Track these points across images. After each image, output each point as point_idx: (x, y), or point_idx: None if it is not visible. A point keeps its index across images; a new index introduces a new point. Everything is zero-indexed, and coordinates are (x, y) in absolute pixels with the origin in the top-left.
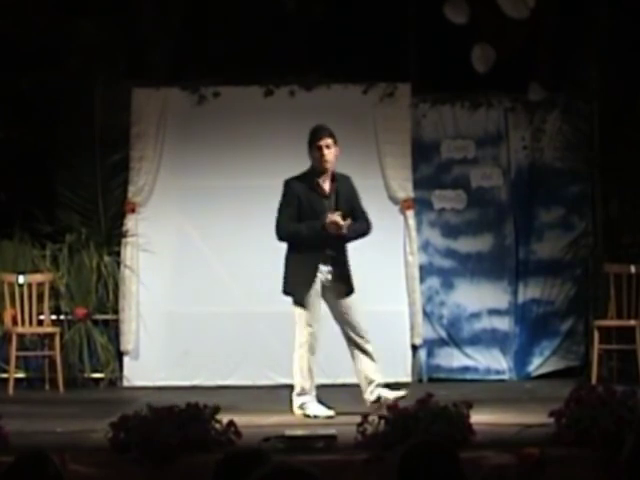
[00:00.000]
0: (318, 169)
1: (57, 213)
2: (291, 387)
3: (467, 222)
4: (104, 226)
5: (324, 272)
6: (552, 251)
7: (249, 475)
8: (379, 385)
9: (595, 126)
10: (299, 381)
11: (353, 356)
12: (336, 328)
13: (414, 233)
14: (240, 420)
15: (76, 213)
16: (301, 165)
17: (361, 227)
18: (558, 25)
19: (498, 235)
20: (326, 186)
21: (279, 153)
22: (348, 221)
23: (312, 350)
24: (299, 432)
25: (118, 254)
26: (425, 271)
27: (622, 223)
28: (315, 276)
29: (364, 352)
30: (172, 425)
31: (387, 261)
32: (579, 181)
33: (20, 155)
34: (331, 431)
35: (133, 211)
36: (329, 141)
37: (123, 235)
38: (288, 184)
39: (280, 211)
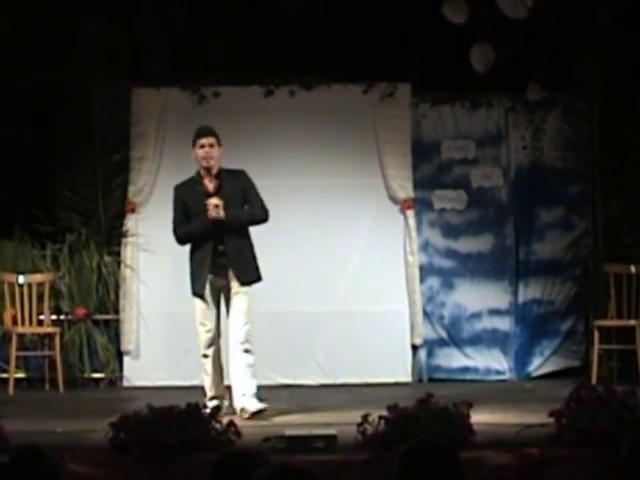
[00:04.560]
0: (202, 169)
1: (57, 213)
2: (292, 387)
3: (467, 222)
4: (104, 226)
5: (214, 272)
6: (552, 251)
7: (246, 475)
8: (245, 395)
9: (595, 126)
10: (207, 383)
11: (230, 356)
12: (335, 329)
13: (414, 233)
14: (240, 420)
15: (76, 213)
16: (301, 165)
17: (250, 212)
18: (558, 25)
19: (498, 235)
20: (210, 185)
21: (279, 153)
22: (216, 200)
23: (212, 349)
24: (299, 432)
25: (118, 254)
26: (425, 271)
27: (622, 223)
28: (208, 274)
29: (237, 358)
30: (172, 425)
31: (387, 261)
32: (579, 181)
33: (20, 155)
34: (331, 431)
35: (133, 211)
36: (211, 140)
37: (123, 235)
38: (175, 190)
39: (173, 218)
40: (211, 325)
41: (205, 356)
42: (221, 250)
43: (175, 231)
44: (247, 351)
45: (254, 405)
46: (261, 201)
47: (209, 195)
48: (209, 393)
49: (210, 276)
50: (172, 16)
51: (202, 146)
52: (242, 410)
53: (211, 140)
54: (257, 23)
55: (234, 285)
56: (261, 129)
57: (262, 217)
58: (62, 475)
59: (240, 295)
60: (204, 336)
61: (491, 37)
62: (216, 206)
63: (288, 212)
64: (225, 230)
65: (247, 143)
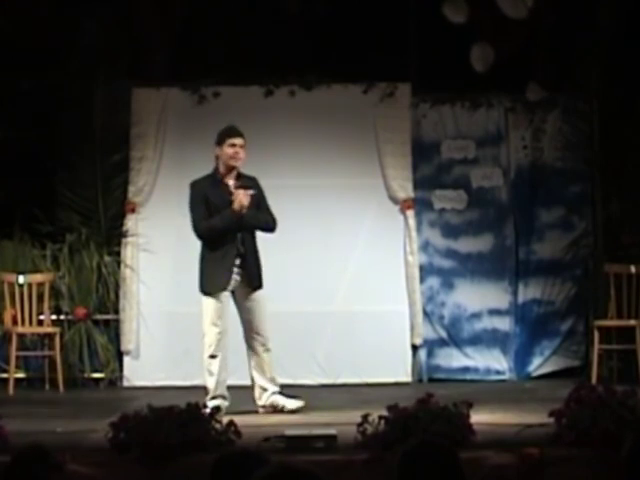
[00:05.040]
0: (225, 167)
1: (57, 213)
2: (292, 387)
3: (467, 222)
4: (104, 226)
5: (234, 272)
6: (552, 251)
7: (246, 475)
8: (274, 393)
9: (595, 126)
10: (211, 384)
11: (249, 357)
12: (335, 329)
13: (414, 233)
14: (240, 420)
15: (76, 213)
16: (301, 165)
17: (265, 217)
18: (558, 25)
19: (498, 235)
20: (231, 184)
21: (279, 153)
22: (251, 191)
23: (220, 348)
24: (299, 432)
25: (118, 254)
26: (425, 271)
27: (622, 223)
28: (230, 275)
29: (257, 355)
30: (172, 425)
31: (387, 261)
32: (579, 181)
33: (20, 155)
34: (331, 431)
35: (133, 211)
36: (242, 141)
37: (123, 235)
38: (193, 185)
39: (192, 211)
40: (224, 326)
41: (213, 357)
42: (241, 251)
43: (197, 225)
44: (269, 350)
45: (294, 403)
46: (270, 211)
47: (231, 193)
48: (211, 393)
49: (234, 276)
50: (172, 16)
51: (233, 145)
52: (283, 407)
53: (242, 141)
54: (257, 23)
55: (245, 289)
56: (261, 129)
57: (273, 226)
58: (65, 474)
59: (262, 297)
60: (215, 337)
61: (491, 37)
62: (241, 200)
63: (288, 212)
64: (244, 230)
65: (247, 143)
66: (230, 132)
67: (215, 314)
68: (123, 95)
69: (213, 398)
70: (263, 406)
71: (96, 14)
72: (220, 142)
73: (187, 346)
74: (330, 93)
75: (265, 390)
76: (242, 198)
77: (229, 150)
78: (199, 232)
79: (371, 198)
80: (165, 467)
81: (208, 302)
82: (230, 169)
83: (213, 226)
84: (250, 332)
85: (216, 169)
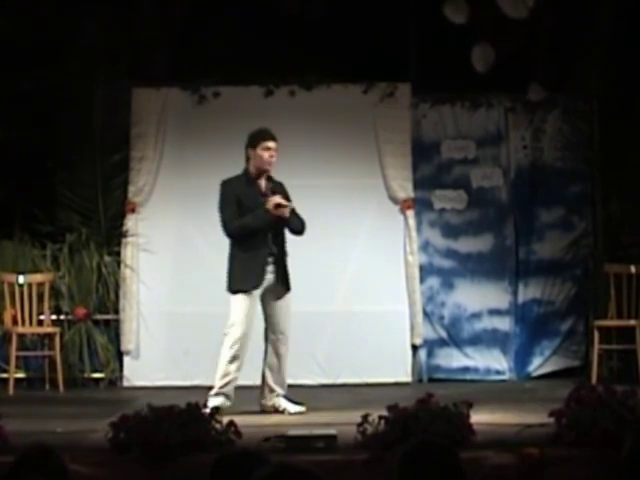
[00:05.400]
0: (258, 170)
1: (57, 213)
2: (292, 387)
3: (467, 222)
4: (104, 226)
5: (267, 272)
6: (552, 251)
7: (246, 475)
8: (279, 395)
9: (595, 126)
10: (222, 382)
11: (267, 356)
12: (335, 329)
13: (414, 233)
14: (240, 420)
15: (76, 213)
16: (301, 165)
17: (300, 220)
18: (558, 25)
19: (498, 235)
20: (263, 185)
21: (279, 153)
22: (291, 204)
23: (243, 349)
24: (299, 432)
25: (118, 254)
26: (425, 271)
27: (622, 223)
28: (264, 274)
29: (277, 355)
30: (172, 425)
31: (387, 261)
32: (579, 181)
33: (20, 155)
34: (331, 431)
35: (133, 211)
36: (276, 145)
37: (123, 235)
38: (225, 185)
39: (222, 210)
40: (251, 327)
41: (235, 358)
42: (274, 251)
43: (228, 224)
44: (287, 351)
45: (295, 408)
46: (299, 215)
47: (263, 194)
48: (216, 389)
49: (267, 275)
50: (172, 16)
51: (268, 148)
52: (285, 410)
53: (275, 144)
54: (257, 23)
55: (277, 288)
56: None
57: (303, 229)
58: (69, 474)
59: (290, 298)
60: (240, 336)
61: (491, 37)
62: (279, 205)
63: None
64: (280, 231)
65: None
66: (265, 135)
67: (243, 313)
68: (123, 95)
69: (217, 395)
70: (265, 405)
71: (96, 14)
72: (254, 145)
73: (187, 346)
74: (330, 93)
75: (272, 391)
76: (279, 209)
77: (264, 153)
78: (229, 231)
79: (371, 198)
80: (165, 467)
81: (239, 300)
82: (262, 172)
83: (245, 225)
84: (276, 332)
85: (247, 170)
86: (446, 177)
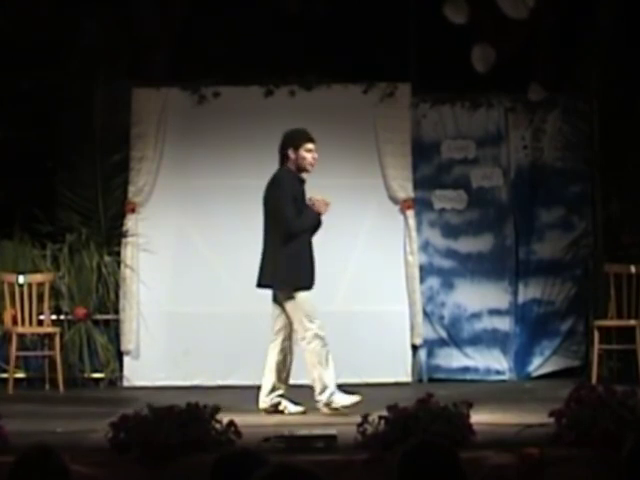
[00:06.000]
0: (299, 170)
1: (57, 213)
2: (292, 387)
3: (467, 222)
4: (104, 226)
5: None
6: (552, 251)
7: (245, 475)
8: (281, 395)
9: (595, 126)
10: (320, 376)
11: (280, 353)
12: (335, 329)
13: (414, 233)
14: (240, 420)
15: (76, 213)
16: None
17: None
18: (558, 25)
19: (498, 235)
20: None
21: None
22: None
23: (324, 342)
24: (299, 432)
25: (118, 254)
26: (425, 271)
27: (622, 223)
28: (314, 268)
29: (292, 354)
30: (172, 425)
31: (387, 261)
32: (579, 181)
33: (20, 155)
34: (331, 431)
35: (133, 211)
36: (315, 146)
37: (123, 235)
38: (286, 181)
39: (286, 206)
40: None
41: (324, 345)
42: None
43: (292, 222)
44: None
45: (295, 408)
46: None
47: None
48: (331, 387)
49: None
50: (172, 16)
51: (310, 150)
52: (285, 409)
53: (315, 146)
54: (257, 23)
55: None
56: (261, 129)
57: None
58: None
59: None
60: (320, 330)
61: (491, 37)
62: (326, 203)
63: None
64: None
65: (247, 143)
66: (307, 137)
67: (312, 308)
68: (123, 95)
69: (333, 394)
70: (265, 403)
71: (96, 14)
72: (296, 146)
73: (187, 346)
74: (330, 93)
75: (275, 390)
76: (325, 208)
77: (307, 155)
78: (294, 228)
79: (371, 198)
80: (165, 467)
81: (304, 297)
82: (303, 172)
83: (305, 226)
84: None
85: (289, 169)
86: (446, 177)
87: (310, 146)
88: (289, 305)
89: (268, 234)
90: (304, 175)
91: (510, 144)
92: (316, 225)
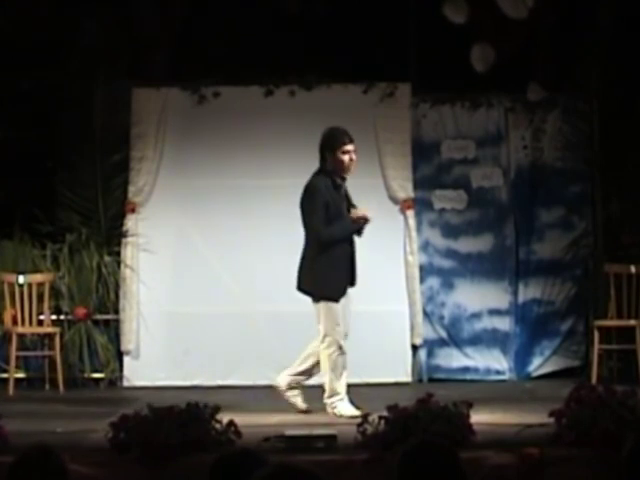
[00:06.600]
0: (336, 173)
1: (57, 213)
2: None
3: (467, 222)
4: (104, 226)
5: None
6: (552, 251)
7: (245, 475)
8: (295, 394)
9: (595, 126)
10: (331, 382)
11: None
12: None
13: (414, 233)
14: (240, 420)
15: (76, 213)
16: (301, 165)
17: None
18: (558, 25)
19: (498, 235)
20: (342, 187)
21: (279, 153)
22: (372, 214)
23: (342, 349)
24: (299, 432)
25: (118, 254)
26: (425, 271)
27: (622, 223)
28: (349, 278)
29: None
30: (172, 425)
31: (387, 261)
32: (579, 181)
33: (20, 155)
34: (331, 431)
35: (133, 211)
36: (354, 147)
37: (123, 235)
38: (318, 189)
39: (314, 214)
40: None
41: (342, 353)
42: (350, 252)
43: (320, 231)
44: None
45: (304, 406)
46: None
47: (342, 198)
48: (342, 393)
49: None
50: (172, 16)
51: (347, 152)
52: (294, 404)
53: (354, 147)
54: (257, 23)
55: (350, 286)
56: (261, 129)
57: None
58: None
59: (351, 295)
60: (340, 337)
61: (491, 37)
62: (365, 218)
63: (288, 212)
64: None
65: (247, 143)
66: (344, 137)
67: (339, 316)
68: (123, 95)
69: (335, 395)
70: (279, 386)
71: (96, 14)
72: (333, 147)
73: (187, 346)
74: (330, 93)
75: (292, 388)
76: (364, 221)
77: (345, 157)
78: (322, 238)
79: (371, 198)
80: (165, 467)
81: (333, 307)
82: (344, 174)
83: (336, 236)
84: (346, 333)
85: (327, 171)
86: (446, 177)
87: (348, 147)
88: (318, 307)
89: (305, 240)
90: (343, 177)
91: (510, 144)
92: (350, 236)
